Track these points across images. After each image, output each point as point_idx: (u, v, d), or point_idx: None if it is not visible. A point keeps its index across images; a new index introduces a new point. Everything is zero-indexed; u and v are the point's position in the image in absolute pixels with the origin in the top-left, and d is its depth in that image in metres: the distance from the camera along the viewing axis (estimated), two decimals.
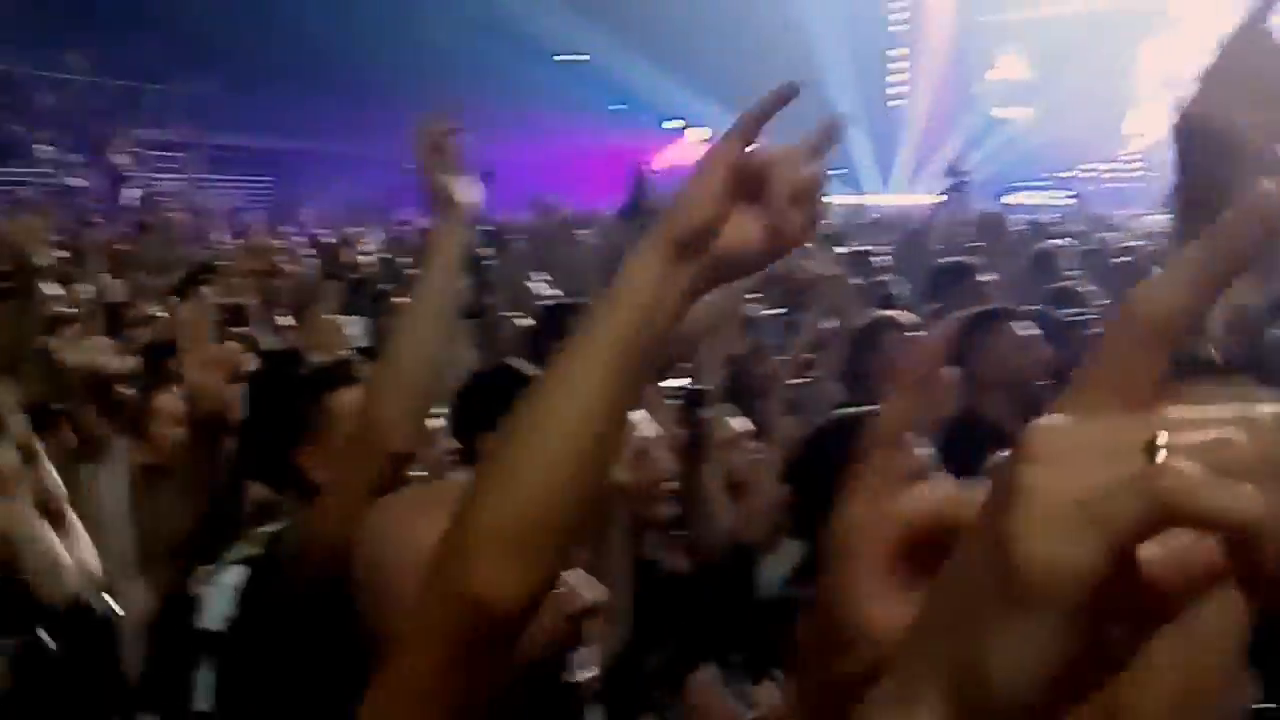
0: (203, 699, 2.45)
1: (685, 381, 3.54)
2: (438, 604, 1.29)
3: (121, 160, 24.74)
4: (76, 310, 4.82)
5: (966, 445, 3.28)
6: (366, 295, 6.73)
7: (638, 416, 2.67)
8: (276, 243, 7.74)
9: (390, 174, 27.14)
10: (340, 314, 5.46)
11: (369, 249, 8.79)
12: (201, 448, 2.52)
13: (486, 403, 3.35)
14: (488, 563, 1.24)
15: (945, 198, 8.33)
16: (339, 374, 2.70)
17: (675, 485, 3.06)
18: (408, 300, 2.35)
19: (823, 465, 2.73)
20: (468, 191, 2.31)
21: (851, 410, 3.01)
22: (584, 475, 1.27)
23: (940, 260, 6.97)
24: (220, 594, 2.46)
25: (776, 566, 3.38)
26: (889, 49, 33.04)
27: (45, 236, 3.76)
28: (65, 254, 5.98)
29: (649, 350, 1.28)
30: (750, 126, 1.32)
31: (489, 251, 8.79)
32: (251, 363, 2.53)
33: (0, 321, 4.05)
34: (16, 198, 19.97)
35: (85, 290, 5.86)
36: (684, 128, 32.19)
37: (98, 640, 2.15)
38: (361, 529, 1.66)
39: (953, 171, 8.15)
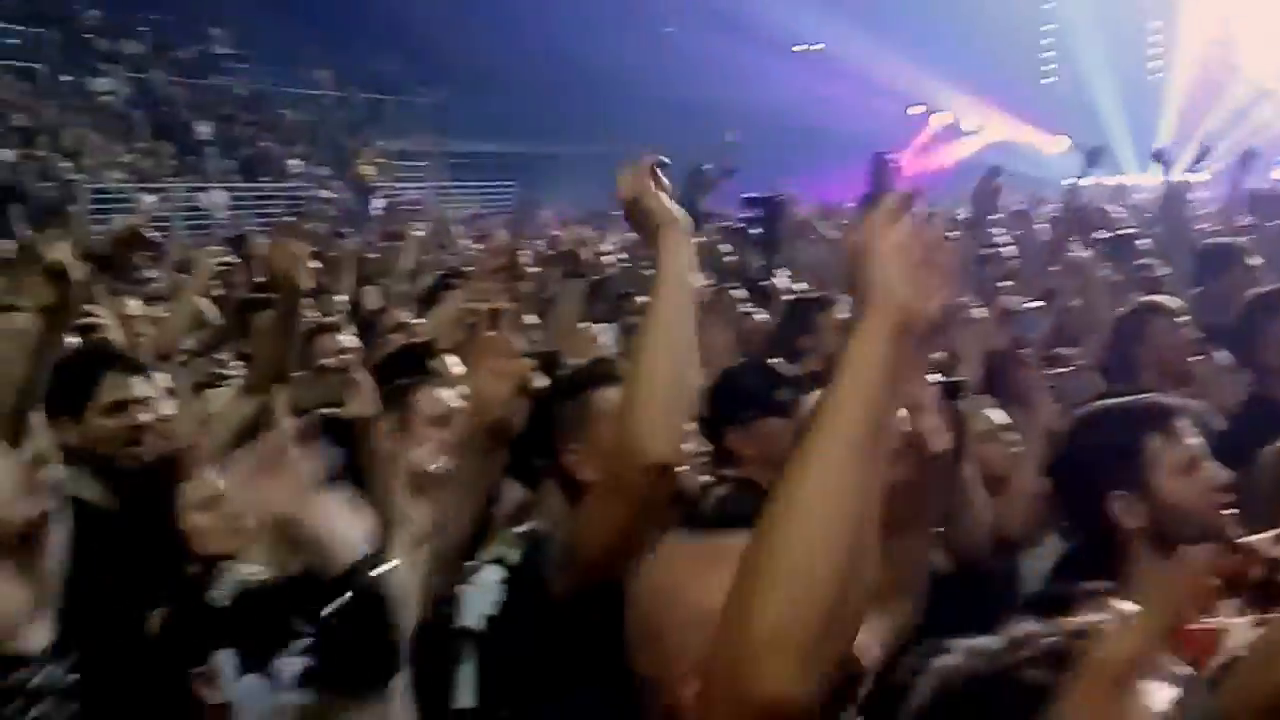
0: (463, 696, 2.53)
1: (942, 374, 3.47)
2: (727, 710, 1.35)
3: (364, 171, 25.81)
4: (335, 318, 5.07)
5: (1255, 431, 3.14)
6: (608, 296, 6.84)
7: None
8: (518, 245, 7.94)
9: None
10: (583, 314, 5.56)
11: (609, 249, 8.92)
12: (482, 454, 2.60)
13: (737, 400, 3.37)
14: (775, 669, 1.30)
15: (1209, 175, 7.94)
16: (600, 374, 2.75)
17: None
18: (647, 314, 2.38)
19: (1086, 457, 2.66)
20: (673, 210, 2.37)
21: (1114, 400, 2.90)
22: (852, 565, 1.33)
23: (1206, 242, 6.66)
24: (479, 593, 2.54)
25: (1039, 561, 3.30)
26: (1147, 20, 31.70)
27: (306, 259, 3.97)
28: (319, 265, 6.28)
29: (887, 427, 1.35)
30: (901, 206, 1.43)
31: (729, 248, 8.83)
32: (538, 377, 2.61)
33: (265, 334, 4.30)
34: (269, 211, 21.13)
35: (339, 299, 6.15)
36: (927, 113, 31.64)
37: (368, 610, 2.29)
38: (638, 579, 1.72)
39: (1221, 149, 7.76)
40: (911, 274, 1.36)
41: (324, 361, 4.54)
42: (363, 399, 3.05)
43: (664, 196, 2.37)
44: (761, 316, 5.73)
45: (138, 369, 3.69)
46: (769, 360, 3.91)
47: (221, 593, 2.92)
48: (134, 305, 5.48)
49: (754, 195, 10.51)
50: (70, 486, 3.45)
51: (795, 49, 32.41)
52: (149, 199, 20.76)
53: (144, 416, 3.58)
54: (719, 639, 1.35)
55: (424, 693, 2.59)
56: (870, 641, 1.68)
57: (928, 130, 31.45)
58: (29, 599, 2.41)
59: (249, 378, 4.15)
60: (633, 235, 11.27)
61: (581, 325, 5.21)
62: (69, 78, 25.25)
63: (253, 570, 2.97)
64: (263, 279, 5.73)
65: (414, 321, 5.15)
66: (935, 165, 28.83)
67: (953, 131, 31.77)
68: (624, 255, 9.05)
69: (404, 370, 3.72)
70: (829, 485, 1.31)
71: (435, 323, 4.88)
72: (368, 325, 5.42)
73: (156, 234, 7.67)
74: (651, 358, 2.28)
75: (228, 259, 7.51)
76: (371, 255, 8.89)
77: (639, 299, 6.06)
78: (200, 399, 4.42)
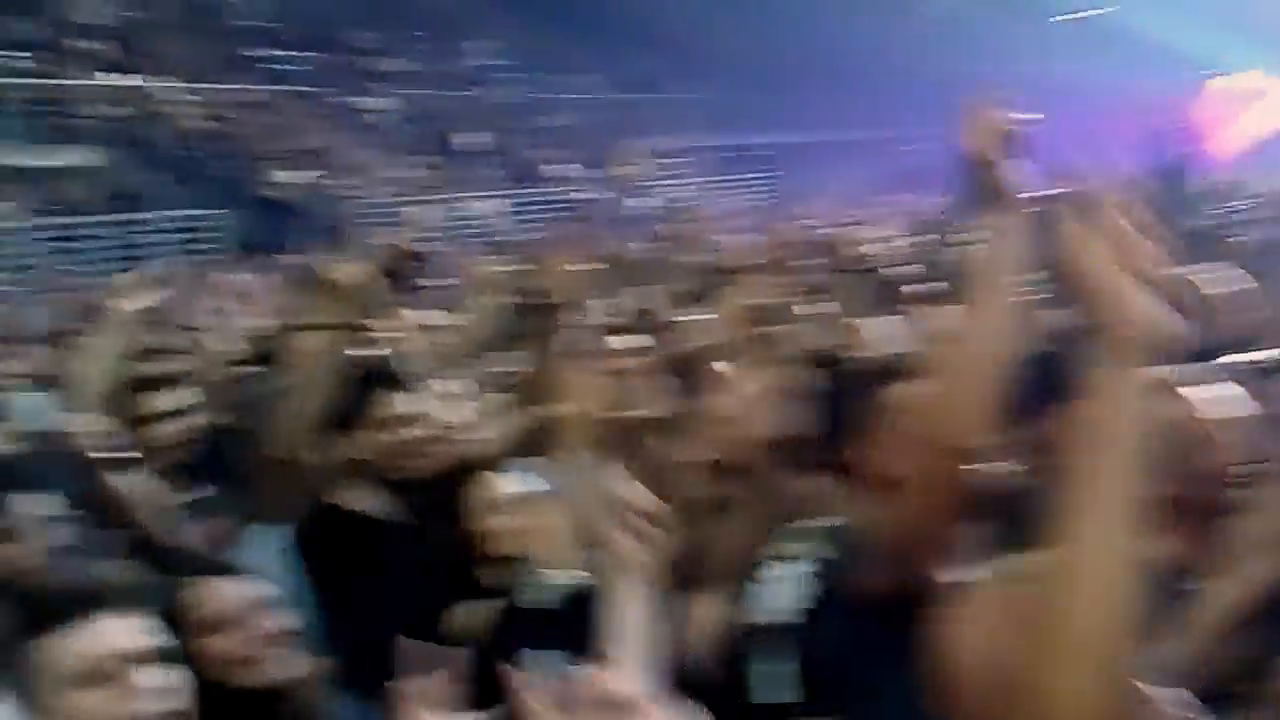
0: (760, 691, 2.55)
1: (1262, 354, 3.30)
2: None
3: (630, 172, 26.24)
4: (617, 321, 5.17)
5: None
6: (877, 284, 6.74)
7: (1215, 394, 2.54)
8: (789, 238, 7.91)
9: (895, 158, 27.13)
10: (856, 305, 5.50)
11: (878, 238, 8.79)
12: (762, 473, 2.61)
13: (1038, 389, 3.28)
14: None
15: None
16: (890, 368, 2.73)
17: (1248, 467, 2.87)
18: (966, 292, 2.33)
19: None
20: (1021, 180, 2.29)
21: None
22: (1130, 616, 1.40)
23: None
24: (781, 588, 2.55)
25: None
26: None
27: (579, 268, 4.06)
28: (599, 267, 6.40)
29: (1144, 455, 1.38)
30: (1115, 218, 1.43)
31: None
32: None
33: (541, 340, 4.42)
34: (541, 216, 21.71)
35: (617, 302, 6.26)
36: (1213, 76, 29.83)
37: None
38: (945, 613, 1.72)
39: None
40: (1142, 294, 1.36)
41: (610, 365, 4.62)
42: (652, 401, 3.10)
43: (1010, 163, 2.28)
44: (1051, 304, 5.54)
45: (404, 384, 3.86)
46: (1064, 347, 3.79)
47: (542, 595, 3.01)
48: (419, 316, 5.69)
49: (1046, 192, 10.23)
50: (353, 501, 3.65)
51: (1055, 20, 31.23)
52: (422, 211, 21.64)
53: (409, 432, 3.74)
54: (1014, 699, 1.41)
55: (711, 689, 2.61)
56: None
57: (1226, 98, 29.53)
58: None
59: (527, 382, 4.28)
60: (903, 221, 11.13)
61: (854, 320, 5.16)
62: (343, 98, 26.61)
63: (570, 575, 3.06)
64: (540, 286, 5.89)
65: (687, 320, 5.19)
66: (1238, 136, 27.06)
67: (1256, 97, 29.63)
68: (891, 241, 8.91)
69: None
70: (1102, 548, 1.36)
71: (711, 321, 4.91)
72: (646, 326, 5.49)
73: (431, 245, 7.97)
74: (967, 339, 2.25)
75: (506, 267, 7.73)
76: (644, 256, 9.01)
77: (915, 288, 5.95)
78: (484, 403, 4.57)
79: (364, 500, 3.70)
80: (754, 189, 27.65)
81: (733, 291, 4.91)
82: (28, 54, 23.40)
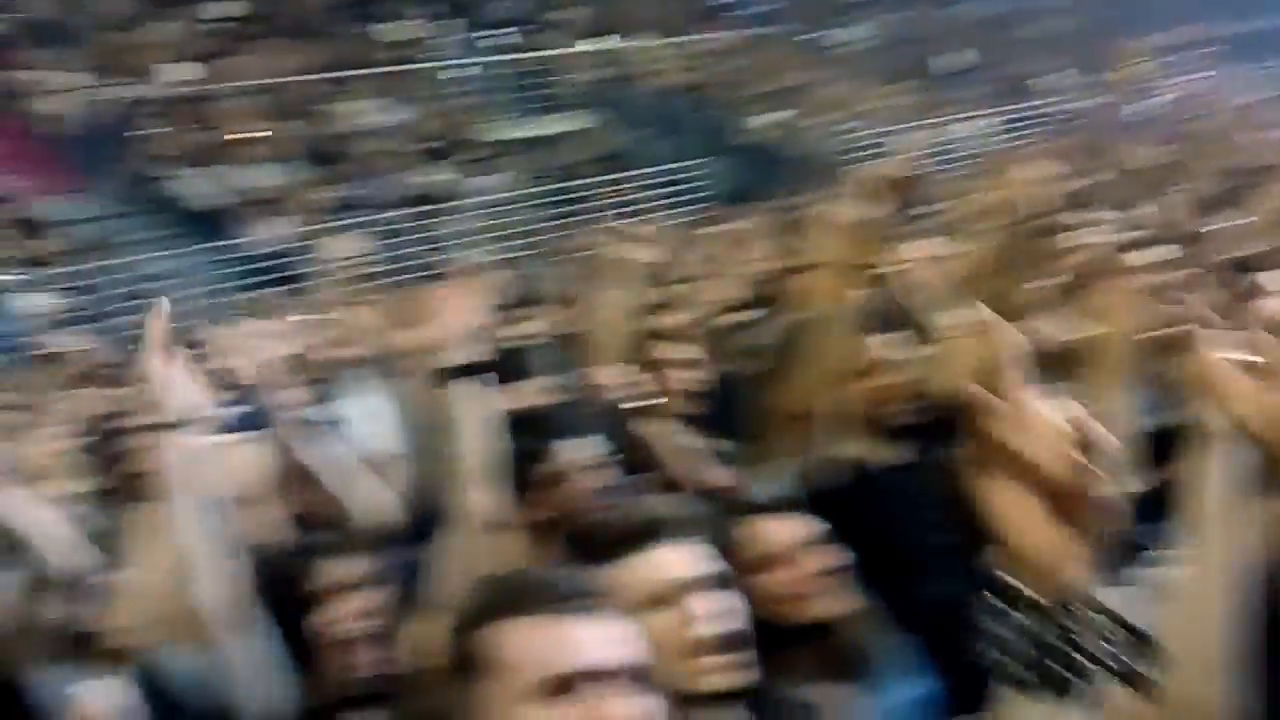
0: None
1: None
2: None
3: (1131, 73, 24.99)
4: (1134, 236, 4.96)
5: None
6: None
7: None
8: None
9: None
10: None
11: None
12: None
13: None
14: None
15: None
16: None
17: None
18: None
19: None
20: None
21: None
22: None
23: None
24: None
25: None
26: None
27: (1050, 184, 3.90)
28: (1093, 180, 6.15)
29: None
30: None
31: None
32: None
33: (1036, 264, 4.29)
34: (1032, 132, 21.09)
35: (1131, 213, 6.00)
36: None
37: None
38: None
39: None
40: None
41: (1135, 281, 4.42)
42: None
43: None
44: None
45: (914, 323, 3.81)
46: None
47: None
48: (922, 246, 5.66)
49: None
50: (857, 450, 3.66)
51: None
52: (908, 139, 21.52)
53: (886, 379, 3.67)
54: None
55: None
56: None
57: None
58: None
59: (1036, 307, 4.16)
60: None
61: None
62: (816, 34, 26.84)
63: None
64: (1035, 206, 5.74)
65: (1221, 227, 4.91)
66: None
67: None
68: None
69: None
70: None
71: (1249, 225, 4.63)
72: (1171, 238, 5.22)
73: (921, 172, 7.87)
74: None
75: (1003, 188, 7.56)
76: (1159, 161, 8.58)
77: None
78: (995, 334, 4.48)
79: (868, 449, 3.70)
80: (1276, 76, 25.51)
81: (1272, 192, 4.62)
82: (513, 29, 25.10)
